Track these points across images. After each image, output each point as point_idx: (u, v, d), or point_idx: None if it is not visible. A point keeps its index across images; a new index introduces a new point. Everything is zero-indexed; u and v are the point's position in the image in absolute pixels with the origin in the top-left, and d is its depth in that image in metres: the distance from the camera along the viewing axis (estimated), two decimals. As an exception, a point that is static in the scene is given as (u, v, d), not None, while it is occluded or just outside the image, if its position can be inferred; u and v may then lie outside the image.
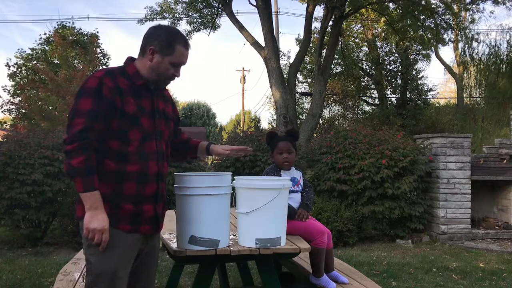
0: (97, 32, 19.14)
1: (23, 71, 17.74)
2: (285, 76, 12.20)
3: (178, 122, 2.36)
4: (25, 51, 18.31)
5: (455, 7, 12.67)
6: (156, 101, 2.10)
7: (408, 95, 17.46)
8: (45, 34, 20.17)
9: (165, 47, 2.03)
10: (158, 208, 2.08)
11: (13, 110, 15.18)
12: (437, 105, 19.77)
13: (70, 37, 15.69)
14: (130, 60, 2.11)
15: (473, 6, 12.88)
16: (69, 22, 18.39)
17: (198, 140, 2.49)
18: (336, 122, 18.00)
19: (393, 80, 17.89)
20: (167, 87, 2.27)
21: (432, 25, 11.98)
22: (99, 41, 16.47)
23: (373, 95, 19.03)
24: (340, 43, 14.13)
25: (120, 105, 1.95)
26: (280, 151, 3.16)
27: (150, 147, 2.03)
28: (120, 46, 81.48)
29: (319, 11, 16.01)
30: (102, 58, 16.95)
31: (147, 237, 2.07)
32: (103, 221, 1.87)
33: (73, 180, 1.88)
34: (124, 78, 2.01)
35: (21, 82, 16.72)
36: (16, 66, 17.78)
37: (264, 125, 31.00)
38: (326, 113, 18.36)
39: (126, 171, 1.95)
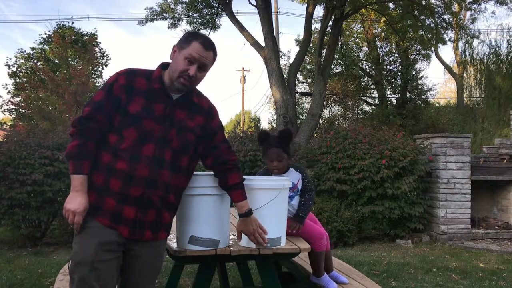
0: (96, 31, 19.15)
1: (23, 70, 17.75)
2: (285, 76, 12.21)
3: (211, 137, 2.22)
4: (25, 51, 18.35)
5: (455, 6, 12.67)
6: (172, 108, 2.06)
7: (408, 95, 17.46)
8: (45, 33, 20.18)
9: (183, 42, 2.07)
10: (143, 214, 2.02)
11: (13, 110, 15.21)
12: (437, 105, 19.78)
13: (69, 37, 15.69)
14: (160, 64, 2.15)
15: (475, 5, 12.88)
16: (68, 22, 18.43)
17: (240, 196, 2.28)
18: (336, 122, 18.00)
19: (393, 80, 17.90)
20: (206, 97, 2.24)
21: (432, 25, 11.98)
22: (97, 40, 16.48)
23: (373, 95, 19.04)
24: (340, 43, 14.13)
25: (123, 103, 2.00)
26: (270, 158, 2.93)
27: (147, 151, 2.00)
28: (122, 46, 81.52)
29: (319, 11, 16.07)
30: (101, 57, 16.94)
31: (134, 239, 2.03)
32: (78, 204, 1.94)
33: (69, 163, 1.99)
34: (144, 79, 2.06)
35: (21, 81, 16.73)
36: (16, 65, 17.79)
37: (264, 125, 30.99)
38: (326, 113, 18.38)
39: (115, 167, 1.98)
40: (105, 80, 13.75)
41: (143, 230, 2.03)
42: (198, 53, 2.03)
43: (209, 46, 2.07)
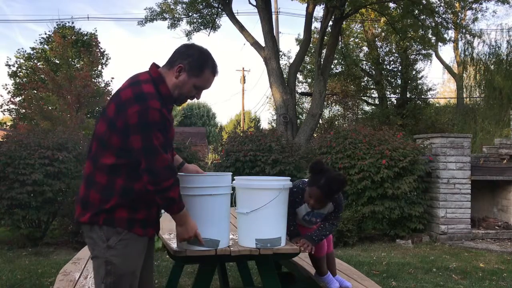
0: (96, 31, 19.14)
1: (23, 70, 17.75)
2: (285, 76, 12.22)
3: None
4: (25, 51, 18.36)
5: (456, 5, 12.67)
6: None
7: (408, 95, 17.46)
8: (45, 33, 20.18)
9: (194, 68, 2.03)
10: (159, 211, 2.17)
11: (13, 110, 15.21)
12: (437, 105, 19.77)
13: (70, 37, 15.70)
14: (159, 75, 2.04)
15: (476, 5, 12.89)
16: (69, 22, 18.43)
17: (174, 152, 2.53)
18: (336, 122, 18.00)
19: (393, 80, 17.89)
20: None
21: (433, 24, 11.99)
22: (97, 40, 16.49)
23: (373, 95, 19.03)
24: (340, 43, 14.13)
25: (170, 133, 2.05)
26: (309, 195, 2.70)
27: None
28: (122, 45, 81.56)
29: (319, 11, 16.03)
30: (101, 57, 16.95)
31: (150, 238, 2.16)
32: (193, 227, 2.16)
33: (170, 207, 2.04)
34: (162, 101, 1.98)
35: (22, 81, 16.74)
36: (16, 65, 17.78)
37: (264, 125, 31.01)
38: (326, 113, 18.37)
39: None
40: (107, 82, 13.91)
41: (158, 228, 2.21)
42: (208, 82, 2.10)
43: (216, 72, 2.12)
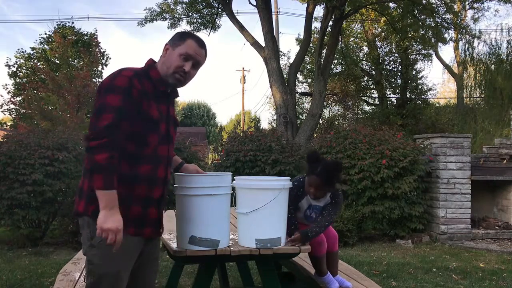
0: (96, 31, 19.13)
1: (23, 70, 17.75)
2: (285, 76, 12.22)
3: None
4: (25, 51, 18.36)
5: (456, 6, 12.69)
6: (170, 106, 2.15)
7: (408, 95, 17.46)
8: (45, 33, 20.17)
9: (177, 40, 2.09)
10: (161, 211, 2.13)
11: (13, 110, 15.22)
12: (437, 105, 19.76)
13: (70, 37, 15.70)
14: (152, 63, 2.12)
15: (477, 4, 12.90)
16: (69, 22, 18.44)
17: (174, 153, 2.44)
18: (336, 122, 18.00)
19: (393, 80, 17.89)
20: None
21: (433, 25, 12.00)
22: (97, 40, 16.48)
23: (373, 95, 19.03)
24: (340, 43, 14.14)
25: (145, 108, 1.97)
26: (309, 183, 2.80)
27: (163, 152, 2.08)
28: (122, 45, 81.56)
29: (319, 11, 16.04)
30: (101, 57, 16.95)
31: (148, 239, 2.09)
32: (118, 222, 1.84)
33: (93, 176, 1.83)
34: (148, 81, 2.03)
35: (22, 81, 16.73)
36: (16, 65, 17.78)
37: (264, 125, 31.01)
38: (326, 113, 18.38)
39: (138, 173, 1.97)
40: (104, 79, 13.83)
41: (159, 228, 2.14)
42: (193, 51, 2.08)
43: (203, 44, 2.13)
